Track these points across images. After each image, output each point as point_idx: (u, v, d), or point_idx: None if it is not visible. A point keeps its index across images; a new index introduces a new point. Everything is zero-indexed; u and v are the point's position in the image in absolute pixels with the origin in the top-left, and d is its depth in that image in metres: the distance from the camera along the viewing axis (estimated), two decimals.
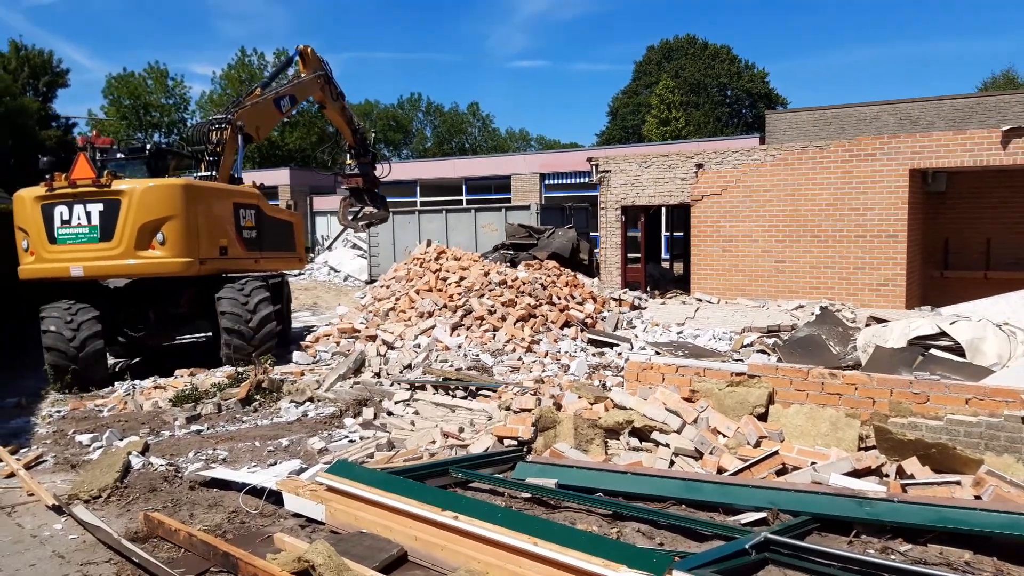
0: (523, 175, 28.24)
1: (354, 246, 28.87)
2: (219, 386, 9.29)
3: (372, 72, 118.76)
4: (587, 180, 26.71)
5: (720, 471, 5.53)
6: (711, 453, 5.68)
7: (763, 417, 6.10)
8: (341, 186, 16.93)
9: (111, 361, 11.71)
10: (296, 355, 10.95)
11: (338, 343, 11.39)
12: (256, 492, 5.71)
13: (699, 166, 14.65)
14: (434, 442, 6.61)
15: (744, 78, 68.27)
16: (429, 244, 14.65)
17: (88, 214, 10.42)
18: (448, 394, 8.16)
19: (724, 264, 14.50)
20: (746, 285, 14.25)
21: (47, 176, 10.65)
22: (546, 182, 27.92)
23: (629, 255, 16.57)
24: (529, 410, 6.51)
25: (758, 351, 10.58)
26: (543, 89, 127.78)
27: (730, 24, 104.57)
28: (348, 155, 16.29)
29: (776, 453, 5.45)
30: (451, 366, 9.39)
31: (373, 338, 11.47)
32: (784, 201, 13.79)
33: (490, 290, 12.18)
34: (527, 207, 21.11)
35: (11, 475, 6.61)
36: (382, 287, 13.47)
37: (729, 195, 14.33)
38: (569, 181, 27.33)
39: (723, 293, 14.44)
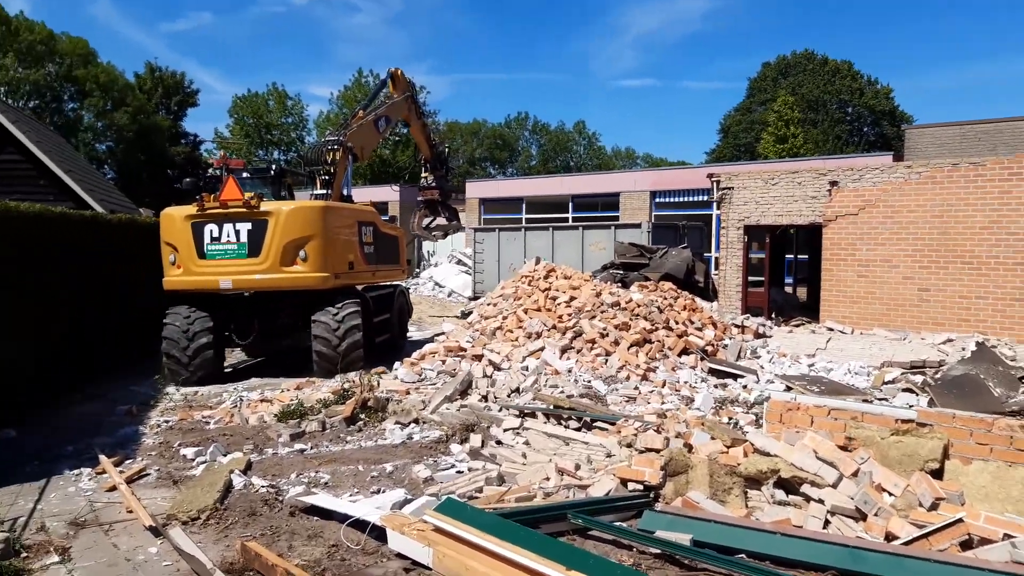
0: (632, 192, 27.42)
1: (459, 262, 28.84)
2: (325, 402, 9.03)
3: (481, 92, 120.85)
4: (700, 198, 25.66)
5: (889, 538, 4.67)
6: (876, 515, 4.82)
7: (937, 474, 5.18)
8: (418, 198, 17.93)
9: (230, 361, 12.96)
10: (401, 372, 10.62)
11: (444, 361, 10.98)
12: (359, 524, 5.28)
13: (833, 183, 13.52)
14: (548, 479, 6.01)
15: (867, 95, 65.00)
16: (538, 261, 14.15)
17: (237, 232, 11.35)
18: (561, 424, 7.55)
19: (859, 291, 13.28)
20: (883, 315, 12.98)
21: (196, 196, 11.60)
22: (656, 200, 26.99)
23: (750, 278, 15.52)
24: (656, 450, 5.81)
25: (903, 390, 9.46)
26: (650, 108, 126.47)
27: (851, 39, 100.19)
28: (424, 168, 17.47)
29: (960, 521, 4.55)
30: (562, 392, 8.78)
31: (479, 358, 11.01)
32: (930, 223, 12.49)
33: (602, 312, 11.51)
34: (638, 225, 20.33)
35: (113, 488, 6.45)
36: (489, 304, 13.04)
37: (867, 215, 13.13)
38: (681, 199, 26.31)
39: (857, 323, 13.22)
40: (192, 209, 11.52)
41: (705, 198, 25.36)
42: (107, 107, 49.50)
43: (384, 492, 6.17)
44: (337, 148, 12.88)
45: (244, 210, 11.28)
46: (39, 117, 32.83)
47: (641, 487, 5.51)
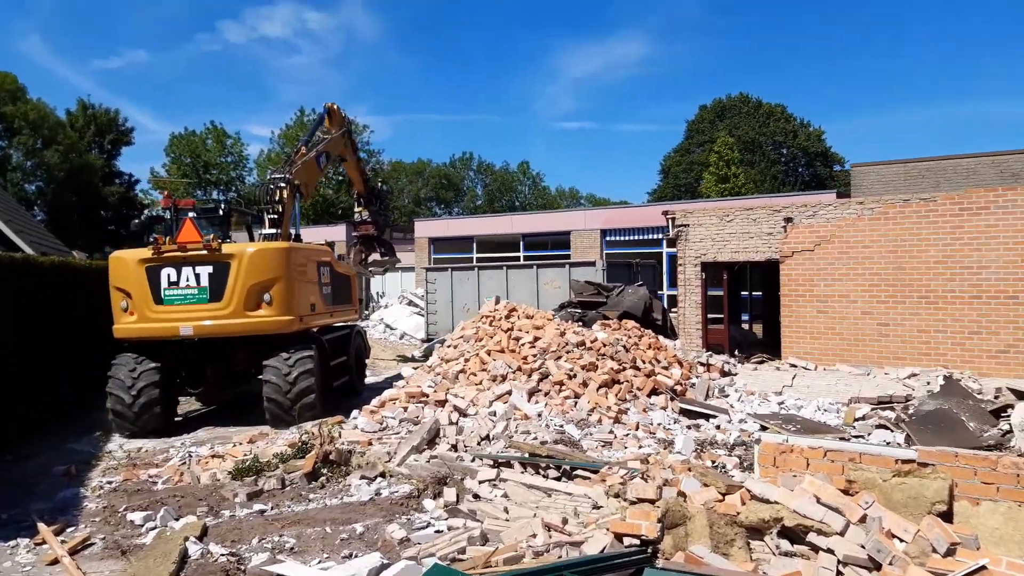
0: (583, 231, 27.46)
1: (410, 303, 28.30)
2: (282, 456, 8.46)
3: (422, 132, 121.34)
4: (651, 236, 25.84)
5: None
6: (891, 564, 4.58)
7: (946, 517, 4.99)
8: (353, 234, 18.18)
9: (181, 409, 12.57)
10: (361, 421, 10.08)
11: (406, 408, 10.48)
12: None
13: (788, 220, 13.65)
14: (535, 536, 5.62)
15: (800, 136, 67.36)
16: (498, 301, 13.83)
17: (197, 276, 10.93)
18: (539, 473, 7.17)
19: (819, 326, 13.33)
20: (844, 350, 13.04)
21: (149, 239, 11.18)
22: (607, 238, 27.06)
23: (709, 315, 15.50)
24: (650, 500, 5.49)
25: (877, 426, 9.40)
26: (590, 149, 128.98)
27: (782, 83, 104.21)
28: (357, 203, 17.66)
29: (984, 568, 4.34)
30: (534, 438, 8.42)
31: (443, 403, 10.56)
32: (886, 258, 12.66)
33: (567, 352, 11.23)
34: (592, 263, 20.24)
35: (55, 562, 5.81)
36: (449, 347, 12.63)
37: (823, 251, 13.26)
38: (631, 237, 26.44)
39: (818, 359, 13.24)
40: (146, 252, 11.01)
41: (656, 236, 25.57)
42: (37, 145, 47.71)
43: (357, 556, 5.69)
44: (284, 186, 12.62)
45: (204, 253, 10.87)
46: None
47: (638, 542, 5.17)
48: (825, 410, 10.63)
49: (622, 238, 26.69)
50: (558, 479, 7.02)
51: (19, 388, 11.16)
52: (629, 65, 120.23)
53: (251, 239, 12.59)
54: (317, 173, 14.47)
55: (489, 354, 11.46)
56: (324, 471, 7.89)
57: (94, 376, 15.60)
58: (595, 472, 6.91)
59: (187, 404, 13.42)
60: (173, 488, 7.88)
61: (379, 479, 7.73)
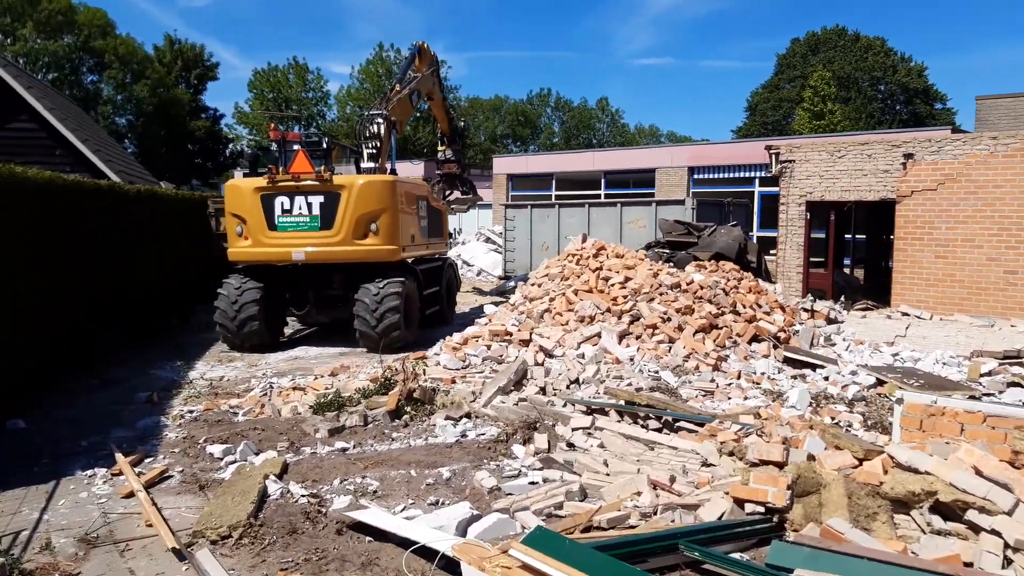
0: (669, 168, 26.24)
1: (487, 240, 27.85)
2: (364, 392, 8.13)
3: (498, 70, 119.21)
4: (742, 175, 24.50)
5: None
6: None
7: None
8: (436, 172, 18.10)
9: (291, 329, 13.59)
10: (443, 357, 9.70)
11: (489, 347, 10.05)
12: (423, 548, 4.38)
13: (908, 156, 12.38)
14: (639, 493, 5.07)
15: (900, 72, 62.92)
16: (585, 239, 13.14)
17: (309, 204, 11.50)
18: (637, 423, 6.60)
19: (937, 273, 12.18)
20: (964, 299, 11.89)
21: (262, 168, 11.82)
22: (695, 176, 25.82)
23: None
24: (776, 463, 4.84)
25: (1009, 384, 8.42)
26: (670, 87, 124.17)
27: (881, 16, 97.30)
28: (441, 142, 17.90)
29: None
30: (629, 385, 7.82)
31: (526, 342, 10.07)
32: (1020, 200, 11.36)
33: (661, 294, 10.52)
34: (681, 202, 19.23)
35: (131, 495, 5.60)
36: (534, 285, 12.07)
37: (947, 191, 12.00)
38: (721, 175, 25.13)
39: (934, 308, 12.14)
40: (261, 181, 11.59)
41: (748, 174, 24.22)
42: (126, 80, 48.70)
43: (444, 505, 5.27)
44: (381, 122, 12.66)
45: (316, 183, 11.38)
46: (57, 90, 32.06)
47: (762, 509, 4.55)
48: (945, 364, 9.64)
49: (711, 176, 25.40)
50: (659, 431, 6.43)
51: (104, 311, 11.20)
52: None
53: (358, 172, 12.70)
54: (410, 110, 14.64)
55: (576, 294, 10.85)
56: (408, 409, 7.51)
57: (181, 301, 15.85)
58: (700, 425, 6.29)
59: (293, 325, 14.02)
60: (254, 420, 7.65)
61: (464, 420, 7.31)
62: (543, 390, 7.87)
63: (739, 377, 8.55)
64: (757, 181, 24.26)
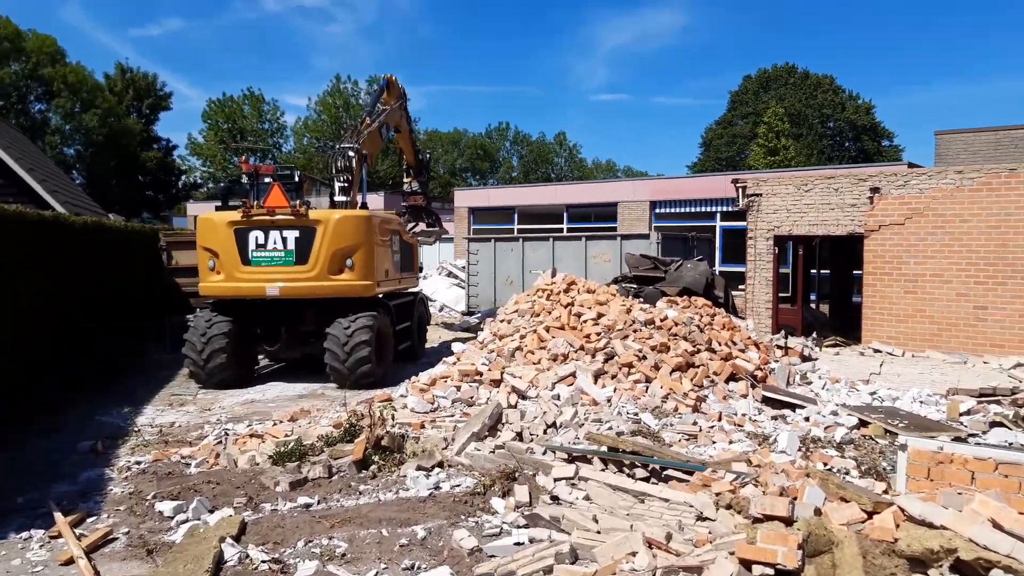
0: (632, 203, 26.25)
1: (449, 274, 27.45)
2: (327, 439, 7.61)
3: (456, 104, 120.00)
4: (705, 209, 24.58)
5: None
6: None
7: None
8: (402, 204, 18.17)
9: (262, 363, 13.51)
10: (411, 400, 9.22)
11: (458, 387, 9.62)
12: None
13: (875, 190, 12.42)
14: (634, 554, 4.68)
15: (848, 109, 64.83)
16: (555, 273, 12.84)
17: (284, 239, 11.45)
18: (622, 471, 6.23)
19: (906, 308, 12.15)
20: (935, 335, 11.86)
21: (241, 203, 11.66)
22: (657, 211, 25.85)
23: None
24: (784, 520, 4.51)
25: (992, 424, 8.28)
26: (626, 122, 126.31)
27: (826, 54, 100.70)
28: (406, 174, 17.77)
29: None
30: (609, 428, 7.47)
31: (497, 382, 9.67)
32: (987, 234, 11.42)
33: (635, 331, 10.23)
34: (646, 236, 19.10)
35: (70, 561, 5.01)
36: (503, 321, 11.69)
37: (914, 225, 12.03)
38: (682, 210, 25.20)
39: (904, 343, 12.08)
40: (235, 215, 11.54)
41: (710, 209, 24.32)
42: (76, 109, 47.48)
43: (421, 570, 4.82)
44: (353, 155, 12.60)
45: (292, 218, 11.36)
46: (2, 118, 30.94)
47: (772, 572, 4.20)
48: (922, 402, 9.50)
49: (673, 210, 25.46)
50: (646, 479, 6.07)
51: (47, 355, 10.49)
52: (664, 36, 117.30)
53: (331, 205, 12.66)
54: (380, 142, 14.52)
55: (548, 331, 10.51)
56: (376, 458, 7.03)
57: (130, 339, 15.07)
58: (689, 474, 5.95)
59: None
60: (207, 473, 7.08)
61: (437, 470, 6.85)
62: (519, 435, 7.46)
63: (720, 419, 8.25)
64: (719, 215, 24.38)
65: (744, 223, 23.75)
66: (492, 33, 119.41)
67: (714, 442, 7.29)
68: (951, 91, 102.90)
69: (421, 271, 19.93)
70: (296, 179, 12.30)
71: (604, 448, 6.58)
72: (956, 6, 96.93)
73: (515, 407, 8.67)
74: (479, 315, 19.84)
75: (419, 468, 6.79)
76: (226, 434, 8.54)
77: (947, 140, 19.12)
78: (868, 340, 12.48)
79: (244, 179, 12.43)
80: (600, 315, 10.59)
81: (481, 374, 9.86)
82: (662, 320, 10.46)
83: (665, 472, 6.11)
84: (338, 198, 12.55)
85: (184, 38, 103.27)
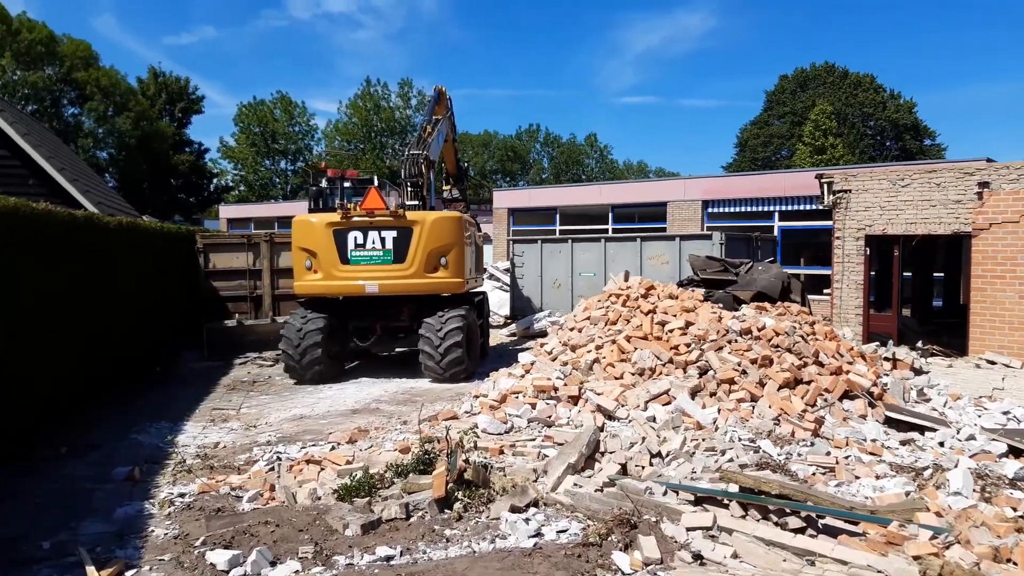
0: (682, 202, 25.05)
1: (491, 276, 26.42)
2: (398, 468, 6.57)
3: (484, 107, 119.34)
4: (761, 208, 23.32)
5: None
6: None
7: None
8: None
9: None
10: (482, 419, 8.18)
11: (533, 405, 8.56)
12: None
13: (984, 184, 11.16)
14: None
15: (889, 108, 62.93)
16: (628, 276, 11.75)
17: (383, 239, 12.07)
18: (767, 519, 5.11)
19: (1021, 315, 10.87)
20: None
21: (342, 205, 12.34)
22: (709, 210, 24.63)
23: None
24: None
25: None
26: (655, 124, 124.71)
27: (859, 54, 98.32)
28: (446, 182, 18.34)
29: None
30: (729, 460, 6.36)
31: (575, 399, 8.62)
32: None
33: (730, 342, 9.09)
34: (708, 236, 17.92)
35: None
36: (573, 330, 10.61)
37: None
38: (739, 209, 23.96)
39: (1020, 354, 10.81)
40: (334, 217, 12.12)
41: (768, 208, 23.06)
42: (109, 112, 47.20)
43: None
44: (423, 162, 13.15)
45: (390, 219, 11.97)
46: (35, 119, 30.50)
47: None
48: None
49: (727, 209, 24.22)
50: (801, 530, 4.95)
51: (77, 363, 9.61)
52: (693, 39, 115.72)
53: (424, 208, 13.14)
54: (439, 149, 14.92)
55: (629, 341, 9.40)
56: (459, 495, 5.97)
57: (165, 346, 14.22)
58: (854, 523, 4.82)
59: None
60: (264, 511, 6.05)
61: (532, 509, 5.78)
62: (624, 468, 6.36)
63: (847, 444, 7.09)
64: (777, 215, 23.11)
65: (806, 223, 22.55)
66: (519, 37, 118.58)
67: (857, 477, 6.13)
68: (988, 89, 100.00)
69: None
70: (375, 184, 13.28)
71: (732, 487, 5.46)
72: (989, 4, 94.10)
73: (602, 429, 7.61)
74: (529, 321, 18.75)
75: (512, 509, 5.72)
76: (279, 459, 7.54)
77: None
78: (978, 350, 11.21)
79: (324, 183, 13.78)
80: (688, 323, 9.46)
81: (557, 389, 8.79)
82: (760, 329, 9.30)
83: (822, 521, 4.98)
84: (410, 201, 12.98)
85: (215, 45, 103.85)
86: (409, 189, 13.05)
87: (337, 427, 9.11)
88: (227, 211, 44.68)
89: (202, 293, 15.94)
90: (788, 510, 5.07)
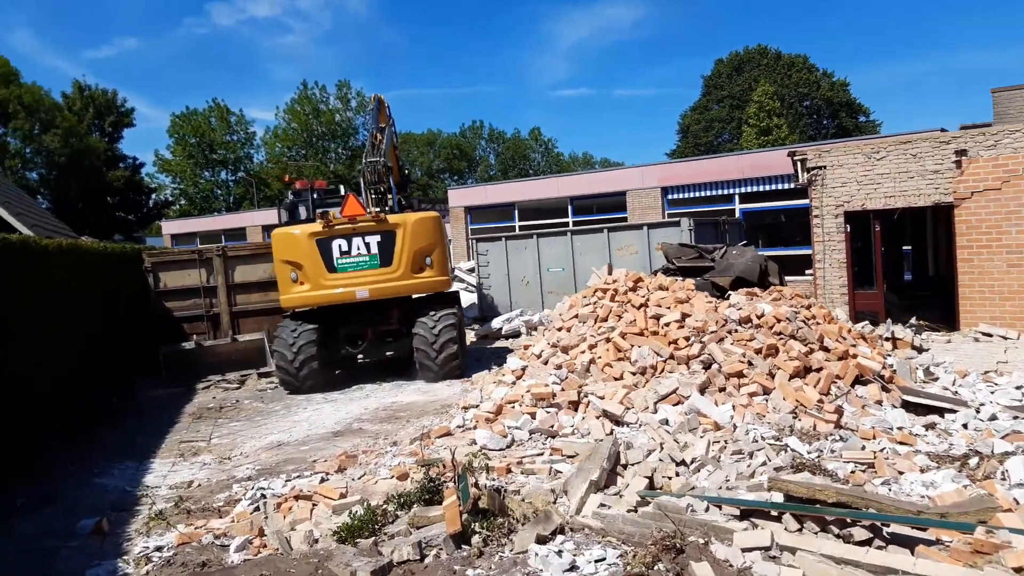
0: (641, 190, 24.74)
1: (455, 278, 25.74)
2: (399, 498, 5.93)
3: (421, 106, 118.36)
4: (721, 192, 23.14)
5: None
6: None
7: None
8: None
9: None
10: (480, 435, 7.61)
11: (533, 414, 8.01)
12: None
13: (961, 152, 10.98)
14: None
15: (823, 87, 64.10)
16: (611, 270, 11.29)
17: (367, 245, 12.17)
18: (826, 530, 4.65)
19: (1011, 284, 10.73)
20: None
21: (322, 214, 12.28)
22: (669, 196, 24.37)
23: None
24: None
25: None
26: (592, 115, 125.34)
27: (788, 34, 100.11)
28: (392, 191, 18.24)
29: None
30: (762, 464, 5.90)
31: (576, 404, 8.12)
32: None
33: (730, 332, 8.67)
34: (676, 223, 17.57)
35: None
36: (562, 329, 10.08)
37: (1014, 189, 10.61)
38: (697, 194, 23.75)
39: (1012, 324, 10.67)
40: (316, 227, 12.11)
41: (729, 191, 22.88)
42: (35, 131, 44.94)
43: None
44: (381, 168, 13.20)
45: (373, 224, 12.08)
46: None
47: None
48: None
49: (687, 195, 23.99)
50: (867, 542, 4.49)
51: (22, 401, 8.71)
52: (621, 30, 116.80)
53: (391, 211, 13.14)
54: (392, 153, 15.00)
55: (624, 338, 8.91)
56: (476, 526, 5.37)
57: (120, 375, 13.25)
58: (923, 529, 4.39)
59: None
60: (255, 562, 5.36)
61: (560, 538, 5.21)
62: (651, 481, 5.84)
63: (874, 437, 6.70)
64: (737, 198, 22.97)
65: (767, 204, 22.44)
66: (449, 34, 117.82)
67: (900, 472, 5.73)
68: (929, 62, 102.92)
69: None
70: (342, 193, 13.73)
71: (776, 497, 4.98)
72: None
73: (611, 435, 7.11)
74: (492, 323, 18.15)
75: (539, 539, 5.14)
76: (263, 496, 6.82)
77: (1006, 97, 17.77)
78: (970, 323, 11.04)
79: (291, 196, 14.04)
80: (684, 315, 9.01)
81: (555, 396, 8.25)
82: (759, 317, 8.90)
83: (887, 529, 4.54)
84: (373, 209, 12.78)
85: (139, 56, 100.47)
86: (372, 196, 13.09)
87: (321, 453, 8.42)
88: (170, 227, 43.01)
89: (154, 315, 14.96)
90: (849, 519, 4.61)
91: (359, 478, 7.01)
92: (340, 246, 12.10)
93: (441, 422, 9.23)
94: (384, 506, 5.95)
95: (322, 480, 7.04)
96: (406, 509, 5.86)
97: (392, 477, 6.72)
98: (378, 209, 12.74)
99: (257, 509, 6.52)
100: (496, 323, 17.95)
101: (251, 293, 15.79)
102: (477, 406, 8.80)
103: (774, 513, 4.88)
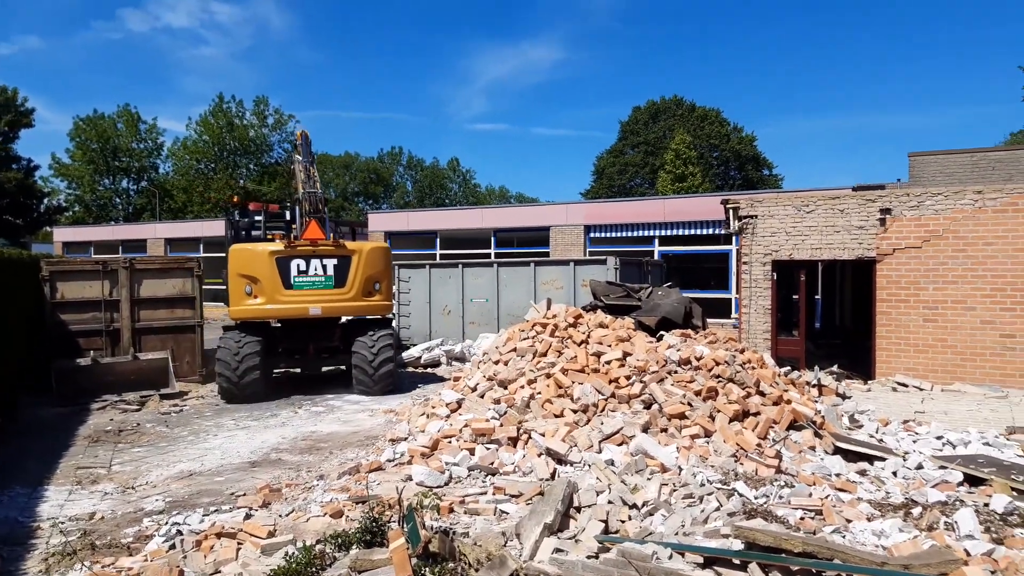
0: (565, 227, 24.95)
1: None
2: (338, 540, 5.50)
3: (338, 128, 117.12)
4: (643, 233, 23.60)
5: None
6: None
7: None
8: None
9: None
10: (418, 471, 7.23)
11: (472, 450, 7.71)
12: None
13: (886, 211, 11.49)
14: None
15: (733, 140, 67.14)
16: (550, 304, 11.14)
17: (324, 266, 13.13)
18: None
19: (926, 338, 11.23)
20: (958, 366, 10.98)
21: (285, 235, 13.90)
22: (591, 235, 24.67)
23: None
24: None
25: None
26: (508, 151, 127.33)
27: (698, 88, 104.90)
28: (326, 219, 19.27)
29: None
30: (716, 508, 5.79)
31: (515, 440, 7.89)
32: (1014, 258, 10.66)
33: (670, 372, 8.66)
34: (603, 261, 17.72)
35: None
36: (499, 363, 9.84)
37: (933, 248, 11.16)
38: (619, 234, 24.14)
39: (924, 375, 11.14)
40: (277, 246, 13.01)
41: (649, 233, 23.36)
42: None
43: None
44: (320, 200, 14.19)
45: (332, 248, 13.18)
46: None
47: None
48: (990, 444, 8.42)
49: (609, 235, 24.34)
50: None
51: None
52: (541, 71, 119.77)
53: (334, 236, 14.08)
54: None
55: (566, 374, 8.75)
56: (426, 571, 5.01)
57: (6, 391, 12.10)
58: None
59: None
60: None
61: None
62: (606, 525, 5.64)
63: (814, 484, 6.73)
64: (657, 240, 23.47)
65: (687, 248, 23.02)
66: (370, 61, 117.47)
67: (849, 521, 5.74)
68: (825, 120, 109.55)
69: None
70: (288, 217, 14.94)
71: (738, 545, 4.88)
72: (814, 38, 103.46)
73: (554, 476, 6.92)
74: (423, 349, 17.74)
75: None
76: (179, 533, 6.22)
77: (921, 162, 18.89)
78: (885, 373, 11.48)
79: (238, 216, 14.79)
80: (626, 354, 8.95)
81: (495, 431, 7.98)
82: (698, 359, 8.93)
83: None
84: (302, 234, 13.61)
85: (40, 56, 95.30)
86: (315, 220, 13.77)
87: (239, 485, 7.82)
88: (62, 234, 40.47)
89: (49, 328, 13.81)
90: (815, 570, 4.53)
91: (287, 515, 6.51)
92: (299, 265, 12.98)
93: (366, 454, 8.81)
94: (320, 547, 5.51)
95: (246, 516, 6.49)
96: (344, 551, 5.43)
97: (325, 514, 6.27)
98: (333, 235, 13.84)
99: (173, 547, 5.92)
100: (416, 351, 17.54)
101: (157, 309, 14.89)
102: (405, 439, 8.43)
103: (737, 561, 4.75)
